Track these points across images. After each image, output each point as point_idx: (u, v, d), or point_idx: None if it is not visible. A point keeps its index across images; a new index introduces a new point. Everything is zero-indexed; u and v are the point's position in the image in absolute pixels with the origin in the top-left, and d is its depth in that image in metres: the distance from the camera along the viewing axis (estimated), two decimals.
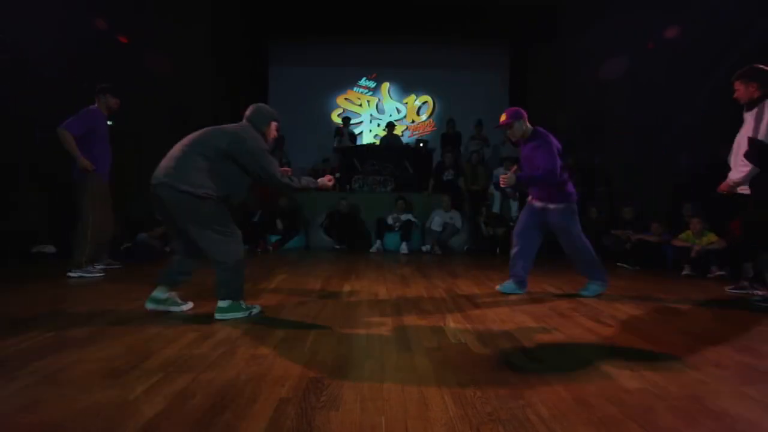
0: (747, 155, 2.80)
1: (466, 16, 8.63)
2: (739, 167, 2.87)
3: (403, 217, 6.31)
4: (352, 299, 2.91)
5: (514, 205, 6.78)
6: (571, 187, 3.11)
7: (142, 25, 6.67)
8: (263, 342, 1.94)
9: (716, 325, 2.42)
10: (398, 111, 9.67)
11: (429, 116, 9.66)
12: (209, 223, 2.32)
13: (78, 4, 5.29)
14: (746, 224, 3.32)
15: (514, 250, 3.21)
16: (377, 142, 9.03)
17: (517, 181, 2.97)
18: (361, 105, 9.69)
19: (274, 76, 9.51)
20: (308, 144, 9.03)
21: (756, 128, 2.77)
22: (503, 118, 3.10)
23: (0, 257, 4.32)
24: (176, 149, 2.38)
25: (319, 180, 2.68)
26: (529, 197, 3.27)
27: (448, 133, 8.37)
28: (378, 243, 6.18)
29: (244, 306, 2.43)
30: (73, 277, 3.50)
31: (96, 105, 3.76)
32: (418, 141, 8.25)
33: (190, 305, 2.56)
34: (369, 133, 9.64)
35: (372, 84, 9.67)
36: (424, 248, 6.20)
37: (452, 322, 2.33)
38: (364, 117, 9.67)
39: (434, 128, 9.50)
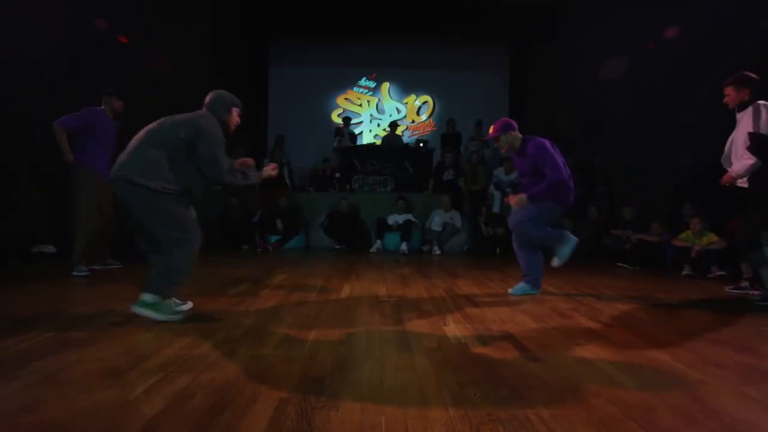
0: (750, 149, 2.89)
1: (466, 16, 8.63)
2: (743, 159, 2.94)
3: (403, 217, 6.31)
4: (352, 299, 2.91)
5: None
6: (567, 191, 3.04)
7: (142, 25, 6.67)
8: (263, 342, 1.94)
9: (716, 325, 2.42)
10: (398, 111, 9.67)
11: (429, 116, 9.66)
12: (165, 220, 2.23)
13: (78, 4, 5.29)
14: (744, 224, 3.33)
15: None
16: (377, 142, 9.03)
17: (530, 200, 3.01)
18: (361, 105, 9.69)
19: (274, 76, 9.51)
20: (308, 144, 9.03)
21: (756, 124, 2.87)
22: (491, 130, 3.13)
23: (0, 257, 4.33)
24: (133, 141, 2.28)
25: (264, 170, 2.55)
26: None
27: (448, 133, 8.37)
28: (378, 243, 6.18)
29: (167, 306, 2.28)
30: (80, 276, 3.55)
31: (102, 106, 3.81)
32: (418, 141, 8.25)
33: (189, 305, 2.51)
34: (369, 133, 9.64)
35: (372, 84, 9.67)
36: (424, 248, 6.20)
37: (452, 322, 2.33)
38: (364, 117, 9.67)
39: (434, 128, 9.50)
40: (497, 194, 6.85)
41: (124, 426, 1.19)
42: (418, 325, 2.26)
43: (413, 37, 8.99)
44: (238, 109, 2.56)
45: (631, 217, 5.49)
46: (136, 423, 1.20)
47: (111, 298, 2.80)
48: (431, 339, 2.02)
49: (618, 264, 5.00)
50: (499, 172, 6.96)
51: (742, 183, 3.02)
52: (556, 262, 3.08)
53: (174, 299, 2.40)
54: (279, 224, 6.20)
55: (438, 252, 6.01)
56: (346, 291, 3.19)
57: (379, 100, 9.67)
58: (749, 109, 2.95)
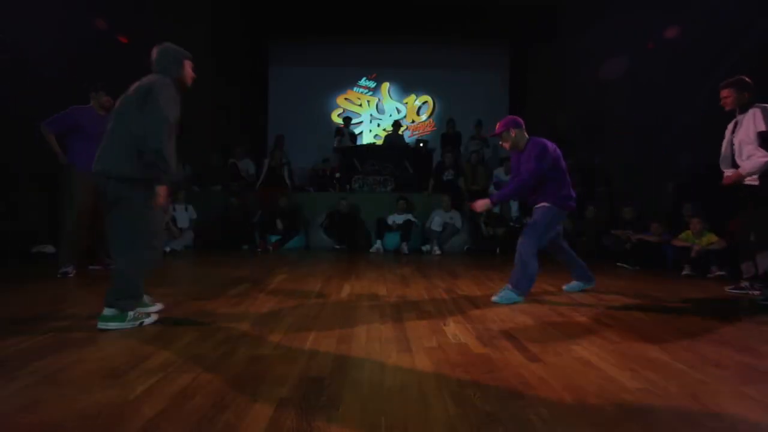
0: (764, 147, 2.97)
1: (466, 16, 8.64)
2: (755, 158, 3.00)
3: (403, 217, 6.31)
4: (352, 299, 2.91)
5: (514, 206, 6.78)
6: (567, 196, 3.04)
7: (142, 25, 6.67)
8: (263, 342, 1.94)
9: (716, 325, 2.42)
10: (398, 111, 9.68)
11: (429, 116, 9.66)
12: (132, 214, 2.12)
13: (78, 4, 5.29)
14: (745, 223, 3.35)
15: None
16: (377, 142, 9.04)
17: (492, 201, 3.11)
18: (361, 105, 9.69)
19: (274, 76, 9.51)
20: (308, 144, 9.03)
21: (766, 123, 2.96)
22: (496, 127, 3.15)
23: (0, 257, 4.33)
24: (107, 132, 2.17)
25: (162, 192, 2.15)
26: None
27: (448, 133, 8.37)
28: (378, 243, 6.18)
29: (131, 316, 2.16)
30: (63, 276, 3.52)
31: (91, 103, 3.75)
32: (418, 141, 8.24)
33: (159, 306, 2.46)
34: (369, 133, 9.64)
35: (372, 84, 9.67)
36: (424, 248, 6.20)
37: (452, 322, 2.33)
38: (364, 117, 9.67)
39: (434, 128, 9.50)
40: None
41: (124, 426, 1.19)
42: (418, 325, 2.26)
43: (413, 37, 8.99)
44: (190, 61, 2.32)
45: (631, 217, 5.49)
46: (136, 423, 1.20)
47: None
48: (431, 339, 2.02)
49: (618, 264, 5.00)
50: (499, 172, 6.96)
51: (752, 181, 3.07)
52: (496, 297, 2.89)
53: (146, 298, 2.37)
54: (279, 224, 6.20)
55: (438, 252, 6.01)
56: (346, 291, 3.18)
57: (379, 100, 9.67)
58: (753, 111, 3.03)
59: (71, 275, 3.56)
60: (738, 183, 3.13)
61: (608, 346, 1.95)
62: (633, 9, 6.68)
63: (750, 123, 3.03)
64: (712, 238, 4.43)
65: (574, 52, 8.03)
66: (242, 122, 8.74)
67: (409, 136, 9.35)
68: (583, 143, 7.72)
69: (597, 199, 6.51)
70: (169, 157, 2.09)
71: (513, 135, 3.07)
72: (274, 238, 6.14)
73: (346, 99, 9.67)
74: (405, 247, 6.02)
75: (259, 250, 5.97)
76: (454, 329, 2.20)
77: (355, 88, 9.68)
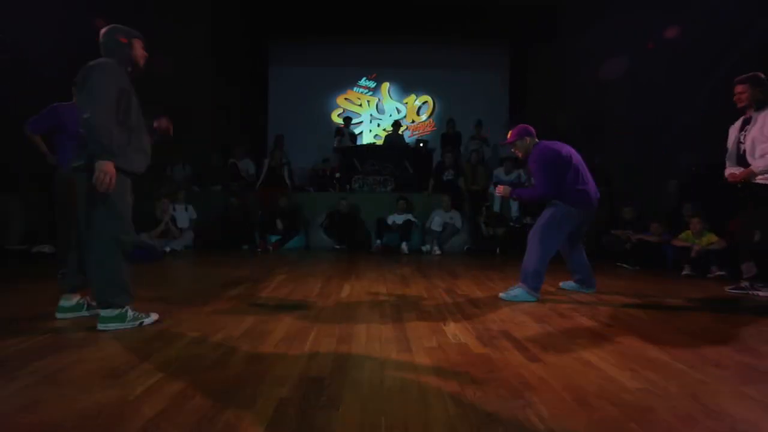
0: None
1: (466, 16, 8.64)
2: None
3: (403, 217, 6.31)
4: (352, 299, 2.91)
5: (514, 205, 6.78)
6: (577, 195, 3.02)
7: (142, 25, 6.67)
8: (263, 342, 1.94)
9: (716, 325, 2.42)
10: (398, 111, 9.68)
11: (429, 116, 9.66)
12: (96, 204, 2.05)
13: (78, 4, 5.29)
14: (746, 223, 3.34)
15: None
16: (377, 142, 9.03)
17: (511, 194, 3.16)
18: (361, 105, 9.69)
19: (274, 76, 9.51)
20: (308, 144, 9.03)
21: None
22: (509, 135, 3.18)
23: (0, 257, 4.33)
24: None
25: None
26: None
27: (448, 133, 8.38)
28: (378, 243, 6.19)
29: (131, 316, 2.11)
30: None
31: (74, 100, 3.71)
32: (418, 141, 8.25)
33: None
34: (369, 133, 9.64)
35: (372, 84, 9.67)
36: (424, 248, 6.20)
37: (452, 322, 2.33)
38: (364, 117, 9.67)
39: (434, 128, 9.50)
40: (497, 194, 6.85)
41: (124, 426, 1.19)
42: (418, 325, 2.26)
43: (413, 37, 8.99)
44: (140, 40, 2.26)
45: (631, 217, 5.49)
46: (136, 423, 1.20)
47: None
48: (431, 339, 2.02)
49: (618, 264, 5.00)
50: (499, 172, 6.96)
51: (763, 179, 3.07)
52: (504, 294, 2.98)
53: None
54: (279, 224, 6.19)
55: (438, 252, 6.01)
56: (346, 291, 3.18)
57: (379, 100, 9.67)
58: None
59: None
60: (748, 180, 3.12)
61: (608, 346, 1.95)
62: (633, 9, 6.68)
63: (765, 120, 3.02)
64: (712, 238, 4.43)
65: (574, 52, 8.03)
66: (242, 122, 8.74)
67: (409, 136, 9.35)
68: (583, 143, 7.69)
69: (598, 198, 6.50)
70: (103, 129, 1.99)
71: (527, 143, 3.10)
72: (274, 238, 6.14)
73: (346, 99, 9.67)
74: (405, 247, 6.02)
75: (259, 250, 5.97)
76: (454, 329, 2.20)
77: (355, 88, 9.68)
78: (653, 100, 6.71)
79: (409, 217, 6.33)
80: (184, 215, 6.05)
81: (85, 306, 2.34)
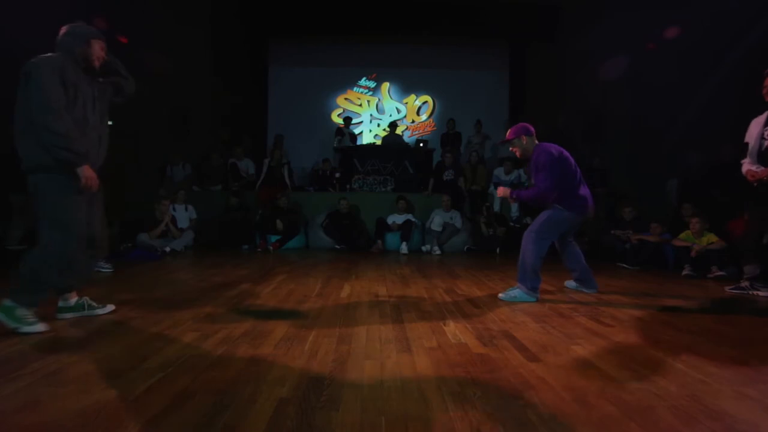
0: None
1: (466, 15, 8.64)
2: None
3: (403, 217, 6.31)
4: (352, 299, 2.91)
5: (514, 205, 6.78)
6: (577, 199, 3.05)
7: (142, 25, 6.67)
8: (263, 342, 1.94)
9: (716, 325, 2.42)
10: (398, 111, 9.67)
11: (429, 116, 9.65)
12: (44, 205, 2.02)
13: (78, 4, 5.28)
14: (755, 224, 3.30)
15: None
16: (377, 142, 9.03)
17: (512, 195, 3.16)
18: (361, 105, 9.68)
19: (274, 76, 9.50)
20: (308, 144, 9.03)
21: None
22: (508, 134, 3.18)
23: (0, 257, 4.33)
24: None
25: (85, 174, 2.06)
26: None
27: (448, 133, 8.38)
28: (378, 243, 6.18)
29: (22, 316, 1.99)
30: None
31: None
32: (418, 141, 8.25)
33: (111, 308, 2.44)
34: (369, 133, 9.64)
35: (372, 84, 9.66)
36: (424, 248, 6.20)
37: (452, 322, 2.33)
38: (364, 117, 9.67)
39: (434, 128, 9.49)
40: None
41: (124, 426, 1.19)
42: (418, 325, 2.26)
43: (413, 37, 8.99)
44: (100, 41, 2.22)
45: (631, 217, 5.49)
46: (136, 423, 1.20)
47: (110, 299, 2.79)
48: (431, 339, 2.02)
49: (618, 264, 5.00)
50: (499, 172, 6.97)
51: None
52: (502, 295, 2.98)
53: (84, 300, 2.33)
54: (279, 224, 6.19)
55: (438, 252, 6.01)
56: (346, 291, 3.19)
57: (379, 100, 9.67)
58: None
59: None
60: None
61: (608, 346, 1.95)
62: (633, 9, 6.68)
63: None
64: (712, 238, 4.43)
65: (574, 52, 8.04)
66: (242, 122, 8.73)
67: (409, 136, 9.35)
68: (583, 143, 7.71)
69: (597, 199, 6.51)
70: (69, 137, 1.99)
71: (524, 142, 3.09)
72: (274, 238, 6.14)
73: (346, 99, 9.67)
74: (405, 247, 6.02)
75: (259, 250, 5.97)
76: (454, 329, 2.20)
77: (355, 88, 9.67)
78: (653, 100, 6.72)
79: (409, 217, 6.33)
80: (184, 215, 6.05)
81: (86, 306, 2.34)
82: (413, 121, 9.65)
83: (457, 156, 7.56)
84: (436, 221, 6.20)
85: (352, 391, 1.43)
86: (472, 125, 8.30)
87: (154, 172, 7.29)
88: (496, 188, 6.78)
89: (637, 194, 6.49)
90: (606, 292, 3.25)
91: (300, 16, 8.71)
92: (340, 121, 9.15)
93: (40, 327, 2.02)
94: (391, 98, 9.67)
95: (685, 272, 4.41)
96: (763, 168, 3.09)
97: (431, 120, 9.63)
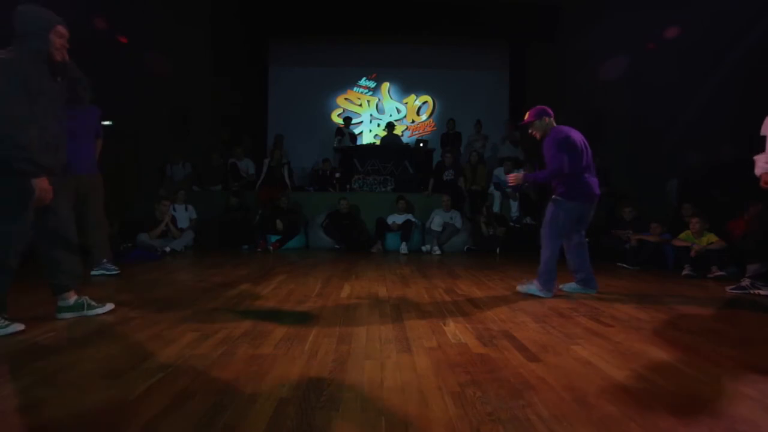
0: None
1: (466, 15, 8.64)
2: None
3: (403, 217, 6.31)
4: (352, 299, 2.91)
5: (514, 205, 6.79)
6: (580, 185, 3.05)
7: (142, 25, 6.67)
8: (263, 342, 1.94)
9: (716, 325, 2.42)
10: (398, 111, 9.67)
11: (429, 116, 9.65)
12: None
13: (78, 4, 5.28)
14: (762, 223, 3.28)
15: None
16: (377, 143, 9.03)
17: (525, 179, 3.18)
18: (361, 105, 9.68)
19: (274, 76, 9.50)
20: (308, 144, 9.03)
21: None
22: (526, 116, 3.19)
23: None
24: None
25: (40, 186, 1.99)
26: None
27: (448, 133, 8.38)
28: (378, 243, 6.18)
29: None
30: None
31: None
32: (418, 141, 8.25)
33: (110, 306, 2.44)
34: (369, 133, 9.64)
35: (372, 84, 9.66)
36: (424, 248, 6.20)
37: (452, 322, 2.33)
38: (364, 117, 9.67)
39: (434, 128, 9.49)
40: (497, 194, 6.86)
41: (124, 426, 1.19)
42: (418, 325, 2.26)
43: (413, 37, 8.99)
44: (60, 27, 2.01)
45: (631, 217, 5.49)
46: (136, 423, 1.20)
47: (110, 299, 2.79)
48: (431, 339, 2.02)
49: (618, 264, 5.00)
50: (499, 172, 6.96)
51: None
52: (520, 286, 3.17)
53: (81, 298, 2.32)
54: (279, 224, 6.20)
55: (438, 252, 6.01)
56: (346, 291, 3.19)
57: (379, 100, 9.67)
58: None
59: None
60: None
61: (608, 346, 1.95)
62: (633, 9, 6.68)
63: None
64: (712, 238, 4.43)
65: (574, 52, 8.04)
66: (242, 122, 8.74)
67: (409, 136, 9.35)
68: None
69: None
70: (25, 145, 1.88)
71: (545, 122, 3.10)
72: (274, 238, 6.14)
73: (346, 99, 9.67)
74: (405, 247, 6.02)
75: (259, 250, 5.97)
76: (454, 329, 2.20)
77: (355, 88, 9.67)
78: (654, 100, 6.72)
79: (409, 217, 6.33)
80: (184, 215, 6.05)
81: (85, 305, 2.34)
82: (413, 121, 9.65)
83: (457, 156, 7.56)
84: (436, 221, 6.20)
85: (352, 391, 1.43)
86: (472, 125, 8.29)
87: (154, 172, 7.30)
88: (496, 188, 6.82)
89: (637, 194, 6.49)
90: (606, 292, 3.25)
91: (300, 16, 8.71)
92: (340, 121, 9.15)
93: (17, 327, 2.01)
94: (391, 98, 9.67)
95: (685, 272, 4.41)
96: None
97: (431, 120, 9.63)
